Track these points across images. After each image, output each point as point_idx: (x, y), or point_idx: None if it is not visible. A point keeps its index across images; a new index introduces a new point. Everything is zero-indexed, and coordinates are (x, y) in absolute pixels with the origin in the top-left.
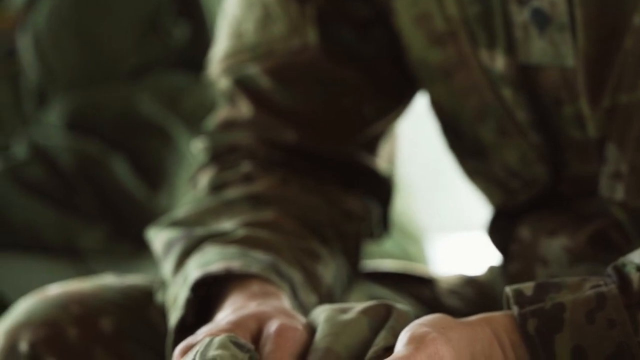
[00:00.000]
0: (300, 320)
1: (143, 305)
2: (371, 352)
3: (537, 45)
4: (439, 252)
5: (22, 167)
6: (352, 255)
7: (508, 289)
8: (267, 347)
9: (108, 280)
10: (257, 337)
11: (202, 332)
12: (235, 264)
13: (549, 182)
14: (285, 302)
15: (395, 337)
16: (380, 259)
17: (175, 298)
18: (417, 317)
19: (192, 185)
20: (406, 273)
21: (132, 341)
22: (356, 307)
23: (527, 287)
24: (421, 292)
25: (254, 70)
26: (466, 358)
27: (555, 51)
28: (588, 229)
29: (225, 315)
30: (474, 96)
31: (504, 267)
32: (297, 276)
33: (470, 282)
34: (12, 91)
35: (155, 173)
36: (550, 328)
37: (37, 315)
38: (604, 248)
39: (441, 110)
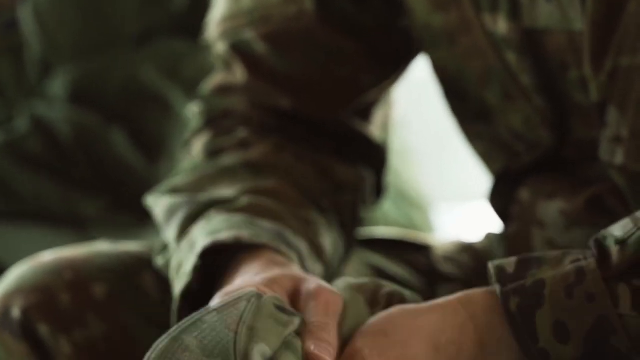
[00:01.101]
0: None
1: (136, 271)
2: None
3: (544, 9)
4: (445, 221)
5: (22, 141)
6: (348, 226)
7: (490, 265)
8: (312, 304)
9: (101, 246)
10: (293, 296)
11: (241, 285)
12: (245, 234)
13: (553, 146)
14: (294, 269)
15: None
16: (385, 226)
17: (180, 264)
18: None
19: (186, 149)
20: (402, 240)
21: (124, 307)
22: (380, 293)
23: (509, 263)
24: (416, 259)
25: (250, 35)
26: (419, 357)
27: (563, 15)
28: (586, 193)
29: (254, 274)
30: (478, 60)
31: (503, 232)
32: (303, 246)
33: (466, 249)
34: (15, 64)
35: (155, 143)
36: (531, 305)
37: (30, 282)
38: (601, 212)
39: (445, 74)
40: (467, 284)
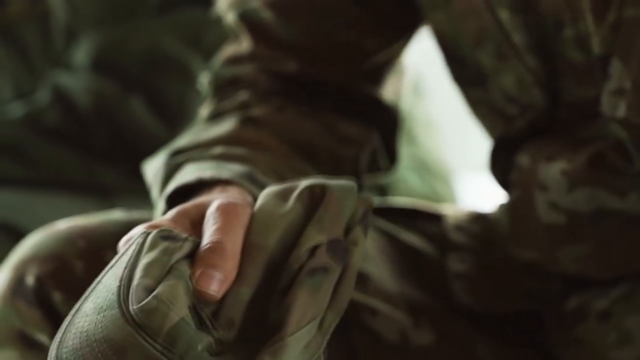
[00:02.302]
0: (247, 202)
1: None
2: (294, 255)
3: None
4: (468, 191)
5: (42, 112)
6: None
7: None
8: (209, 223)
9: (115, 214)
10: (199, 222)
11: (140, 227)
12: (207, 173)
13: (547, 107)
14: (247, 198)
15: (323, 230)
16: (408, 197)
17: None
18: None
19: (197, 120)
20: (416, 209)
21: None
22: (296, 189)
23: None
24: (429, 227)
25: (256, 4)
26: None
27: None
28: (587, 151)
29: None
30: (473, 20)
31: (506, 198)
32: (271, 183)
33: (478, 219)
34: (42, 33)
35: (176, 111)
36: None
37: (44, 250)
38: (603, 170)
39: (443, 39)
40: (476, 252)
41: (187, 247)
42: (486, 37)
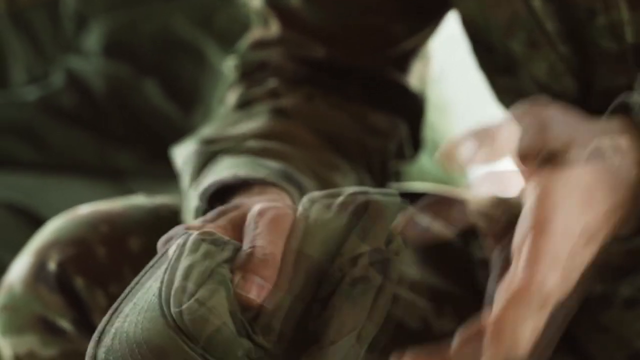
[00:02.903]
0: (289, 206)
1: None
2: (336, 264)
3: None
4: (480, 174)
5: (57, 96)
6: (377, 172)
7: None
8: (250, 227)
9: (138, 200)
10: (241, 225)
11: (180, 227)
12: (243, 171)
13: (579, 96)
14: (286, 200)
15: (366, 240)
16: (422, 181)
17: (191, 210)
18: (399, 207)
19: (222, 104)
20: (437, 194)
21: None
22: (341, 196)
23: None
24: (450, 213)
25: None
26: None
27: None
28: None
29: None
30: (504, 7)
31: None
32: (308, 182)
33: (501, 204)
34: (52, 18)
35: (189, 93)
36: None
37: (66, 235)
38: None
39: (472, 26)
40: (500, 239)
41: (228, 251)
42: (518, 24)
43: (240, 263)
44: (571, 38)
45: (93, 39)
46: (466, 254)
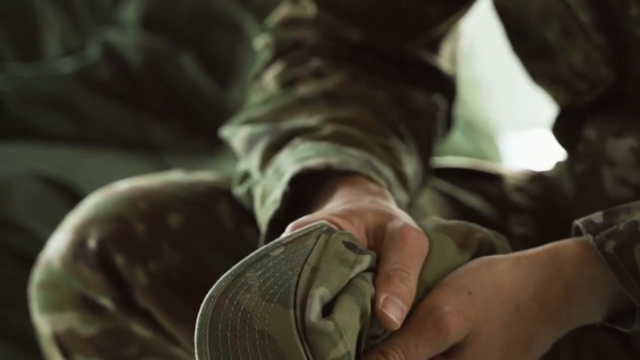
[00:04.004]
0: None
1: (211, 201)
2: None
3: None
4: (512, 149)
5: (93, 68)
6: (425, 154)
7: (577, 222)
8: (395, 245)
9: (176, 176)
10: (376, 232)
11: (314, 216)
12: (334, 160)
13: (615, 84)
14: (389, 197)
15: None
16: (453, 156)
17: (266, 192)
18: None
19: (257, 82)
20: (473, 169)
21: (198, 237)
22: (476, 241)
23: (596, 216)
24: (488, 188)
25: None
26: (497, 320)
27: None
28: None
29: (341, 203)
30: None
31: (570, 165)
32: (389, 173)
33: (536, 178)
34: None
35: (226, 68)
36: (628, 243)
37: (106, 211)
38: None
39: (506, 13)
40: (537, 214)
41: (366, 262)
42: (551, 14)
43: (387, 281)
44: (605, 28)
45: (130, 11)
46: (504, 230)
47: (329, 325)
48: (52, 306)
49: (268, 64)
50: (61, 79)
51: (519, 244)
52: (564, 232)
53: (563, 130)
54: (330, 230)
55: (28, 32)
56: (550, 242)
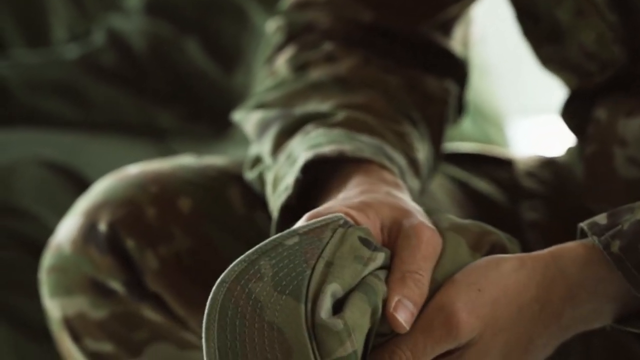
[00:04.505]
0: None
1: (221, 186)
2: None
3: None
4: (520, 134)
5: (98, 54)
6: (437, 139)
7: (581, 224)
8: (410, 244)
9: (186, 160)
10: (391, 227)
11: (330, 207)
12: (347, 148)
13: (626, 63)
14: (408, 196)
15: None
16: (461, 141)
17: (277, 177)
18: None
19: (269, 65)
20: (484, 154)
21: (209, 221)
22: (487, 243)
23: (600, 217)
24: (499, 174)
25: None
26: (501, 321)
27: None
28: None
29: (356, 194)
30: None
31: (580, 149)
32: (402, 160)
33: (547, 164)
34: None
35: (231, 52)
36: (633, 242)
37: (116, 195)
38: None
39: None
40: (548, 199)
41: (380, 260)
42: None
43: (399, 284)
44: (619, 6)
45: None
46: (515, 215)
47: (338, 323)
48: (63, 290)
49: (280, 48)
50: (66, 65)
51: (529, 229)
52: (575, 217)
53: (572, 113)
54: (346, 224)
55: (35, 19)
56: (561, 228)
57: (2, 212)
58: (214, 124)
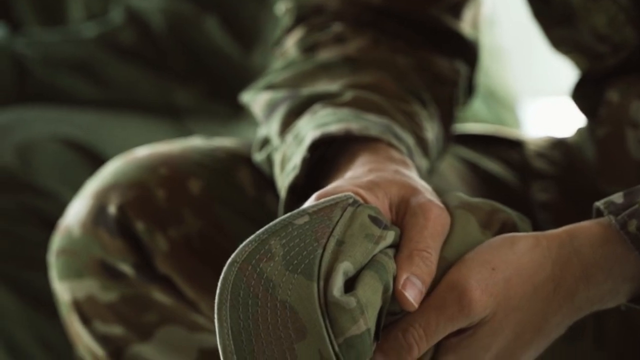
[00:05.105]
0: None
1: (231, 167)
2: None
3: None
4: (532, 116)
5: (117, 32)
6: (447, 120)
7: (597, 204)
8: (419, 221)
9: (196, 142)
10: (399, 206)
11: (339, 186)
12: (354, 126)
13: (638, 46)
14: (416, 174)
15: None
16: (473, 122)
17: (285, 158)
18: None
19: (278, 47)
20: (494, 135)
21: (219, 203)
22: (498, 221)
23: (616, 197)
24: (509, 154)
25: None
26: (515, 300)
27: None
28: None
29: (364, 172)
30: None
31: (591, 131)
32: (410, 140)
33: (558, 145)
34: None
35: (249, 32)
36: None
37: (126, 177)
38: None
39: None
40: (559, 180)
41: (390, 238)
42: None
43: (409, 261)
44: None
45: None
46: (526, 196)
47: (351, 301)
48: (72, 273)
49: (289, 30)
50: (84, 43)
51: (540, 210)
52: (586, 198)
53: (584, 95)
54: (355, 203)
55: None
56: (572, 208)
57: (20, 189)
58: (232, 103)
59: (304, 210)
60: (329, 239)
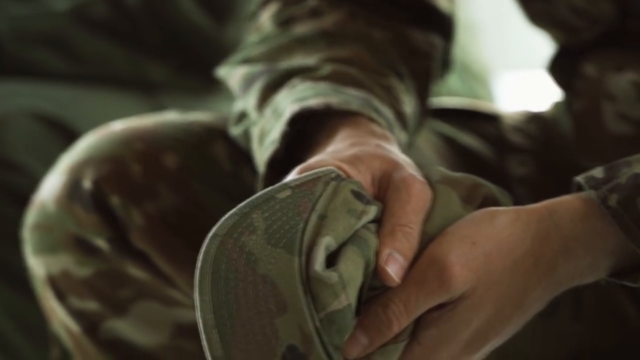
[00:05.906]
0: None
1: (207, 142)
2: None
3: None
4: (505, 90)
5: (89, 6)
6: (423, 93)
7: (578, 178)
8: (401, 197)
9: (171, 116)
10: (381, 180)
11: (321, 160)
12: (334, 100)
13: (616, 19)
14: (397, 148)
15: None
16: (447, 97)
17: (264, 132)
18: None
19: (253, 21)
20: (471, 110)
21: (195, 177)
22: (480, 195)
23: (597, 171)
24: (486, 129)
25: None
26: (495, 275)
27: None
28: None
29: (346, 146)
30: None
31: (568, 104)
32: (389, 113)
33: (534, 119)
34: None
35: (223, 5)
36: (631, 196)
37: (101, 152)
38: None
39: None
40: (535, 154)
41: (372, 213)
42: None
43: (390, 237)
44: None
45: None
46: (503, 170)
47: (332, 276)
48: (47, 248)
49: (264, 3)
50: (56, 17)
51: (518, 184)
52: (564, 172)
53: (560, 69)
54: (338, 177)
55: None
56: (549, 183)
57: None
58: (206, 78)
59: (286, 184)
60: (311, 213)
